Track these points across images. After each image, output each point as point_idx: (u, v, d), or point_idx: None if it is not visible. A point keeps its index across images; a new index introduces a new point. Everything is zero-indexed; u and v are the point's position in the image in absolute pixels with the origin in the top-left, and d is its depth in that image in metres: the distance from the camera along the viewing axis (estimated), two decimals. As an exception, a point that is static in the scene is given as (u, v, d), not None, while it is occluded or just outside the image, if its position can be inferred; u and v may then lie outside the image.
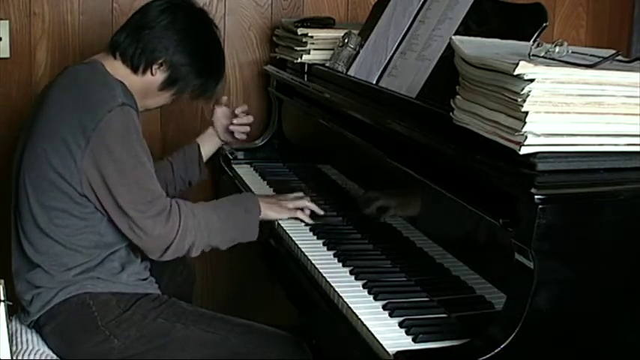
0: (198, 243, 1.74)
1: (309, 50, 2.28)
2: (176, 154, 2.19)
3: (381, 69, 1.90)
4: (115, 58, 1.82)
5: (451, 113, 1.38)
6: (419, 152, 1.50)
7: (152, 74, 1.83)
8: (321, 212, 1.91)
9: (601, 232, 1.21)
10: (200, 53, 1.87)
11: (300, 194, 1.95)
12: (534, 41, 1.34)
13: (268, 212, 1.87)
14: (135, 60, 1.81)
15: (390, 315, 1.38)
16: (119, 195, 1.66)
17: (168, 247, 1.70)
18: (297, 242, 1.75)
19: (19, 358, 1.65)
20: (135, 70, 1.82)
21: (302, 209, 1.90)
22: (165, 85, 1.86)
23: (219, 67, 1.96)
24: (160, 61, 1.82)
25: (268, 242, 1.91)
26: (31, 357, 1.67)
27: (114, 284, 1.75)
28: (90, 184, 1.67)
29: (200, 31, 1.89)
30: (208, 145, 2.24)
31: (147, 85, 1.84)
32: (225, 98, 2.26)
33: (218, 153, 2.49)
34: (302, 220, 1.88)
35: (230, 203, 1.88)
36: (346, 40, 2.06)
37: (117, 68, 1.80)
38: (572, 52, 1.29)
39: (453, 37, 1.47)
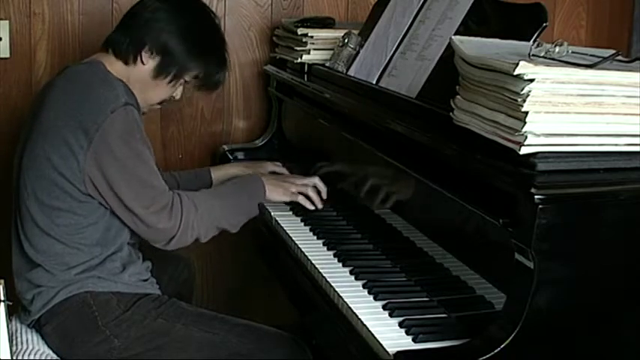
0: (203, 233, 1.76)
1: (309, 50, 2.28)
2: (186, 175, 2.16)
3: (381, 69, 1.90)
4: (109, 54, 1.81)
5: (451, 113, 1.38)
6: (419, 152, 1.50)
7: (143, 63, 1.80)
8: (325, 197, 1.91)
9: (601, 232, 1.21)
10: (190, 33, 1.81)
11: (309, 179, 1.94)
12: (534, 41, 1.34)
13: (271, 194, 1.87)
14: (124, 51, 1.79)
15: (390, 315, 1.38)
16: (123, 193, 1.67)
17: (171, 239, 1.72)
18: (297, 242, 1.75)
19: (19, 358, 1.65)
20: (126, 62, 1.80)
21: (306, 194, 1.90)
22: (159, 72, 1.80)
23: (216, 49, 1.89)
24: (147, 47, 1.78)
25: (268, 242, 1.91)
26: (31, 357, 1.67)
27: (115, 284, 1.75)
28: (93, 183, 1.68)
29: (190, 13, 1.85)
30: (222, 174, 2.18)
31: (142, 76, 1.80)
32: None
33: (218, 153, 2.50)
34: (302, 210, 1.89)
35: (234, 190, 1.88)
36: (346, 40, 2.06)
37: (114, 65, 1.80)
38: (572, 52, 1.29)
39: (452, 37, 1.47)
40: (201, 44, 1.84)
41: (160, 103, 1.90)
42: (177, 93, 1.90)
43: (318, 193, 1.93)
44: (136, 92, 1.79)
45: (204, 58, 1.84)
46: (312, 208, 1.90)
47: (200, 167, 2.26)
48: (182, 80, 1.85)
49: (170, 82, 1.83)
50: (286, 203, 2.00)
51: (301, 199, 1.89)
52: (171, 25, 1.79)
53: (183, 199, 1.72)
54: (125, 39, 1.79)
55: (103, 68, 1.77)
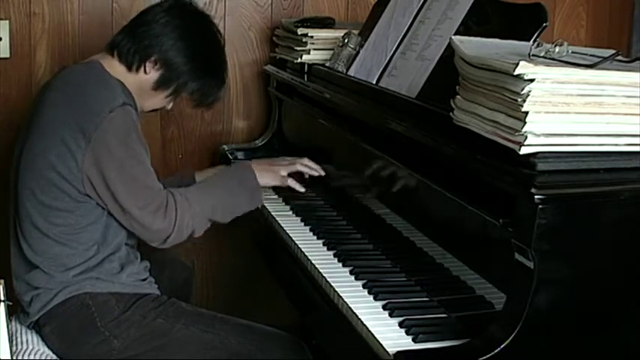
0: (197, 228, 1.76)
1: (309, 50, 2.28)
2: (171, 180, 2.11)
3: (381, 69, 1.90)
4: (113, 56, 1.81)
5: (451, 113, 1.37)
6: (419, 152, 1.50)
7: (145, 72, 1.80)
8: (315, 173, 1.92)
9: (601, 232, 1.21)
10: (197, 53, 1.83)
11: (298, 159, 1.94)
12: (534, 41, 1.34)
13: (261, 180, 1.87)
14: (129, 57, 1.80)
15: (390, 315, 1.38)
16: (119, 193, 1.67)
17: (167, 238, 1.72)
18: (297, 242, 1.75)
19: (19, 358, 1.65)
20: (129, 68, 1.80)
21: (295, 174, 1.91)
22: (160, 85, 1.82)
23: (218, 71, 1.91)
24: (153, 58, 1.79)
25: (268, 242, 1.91)
26: (31, 357, 1.67)
27: (113, 284, 1.75)
28: (91, 183, 1.68)
29: (199, 32, 1.86)
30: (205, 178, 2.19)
31: (141, 84, 1.81)
32: None
33: (218, 153, 2.49)
34: (293, 189, 1.89)
35: (224, 178, 1.88)
36: (346, 40, 2.06)
37: (114, 67, 1.79)
38: (572, 52, 1.29)
39: (452, 37, 1.47)
40: (205, 65, 1.86)
41: (150, 111, 1.92)
42: (170, 104, 1.92)
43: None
44: (131, 93, 1.79)
45: (205, 78, 1.86)
46: (302, 190, 1.89)
47: (200, 167, 2.25)
48: (179, 95, 1.87)
49: (168, 95, 1.86)
50: (286, 202, 2.00)
51: (291, 182, 1.88)
52: (179, 43, 1.80)
53: (177, 198, 1.72)
54: (132, 45, 1.80)
55: (100, 68, 1.77)
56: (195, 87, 1.86)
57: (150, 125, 2.44)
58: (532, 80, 1.16)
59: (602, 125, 1.22)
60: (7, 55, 2.32)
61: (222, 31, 1.97)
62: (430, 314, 1.39)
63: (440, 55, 1.71)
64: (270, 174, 1.89)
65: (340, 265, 1.62)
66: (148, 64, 1.80)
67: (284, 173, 1.89)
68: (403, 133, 1.56)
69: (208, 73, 1.87)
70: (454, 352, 1.21)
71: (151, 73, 1.81)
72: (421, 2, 1.90)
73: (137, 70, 1.80)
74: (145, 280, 1.82)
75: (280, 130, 2.50)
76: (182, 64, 1.81)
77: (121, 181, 1.67)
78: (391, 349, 1.24)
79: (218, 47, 1.91)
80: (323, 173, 1.92)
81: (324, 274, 1.56)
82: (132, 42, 1.80)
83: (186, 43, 1.81)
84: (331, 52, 2.16)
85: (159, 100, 1.87)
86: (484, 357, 1.16)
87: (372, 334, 1.31)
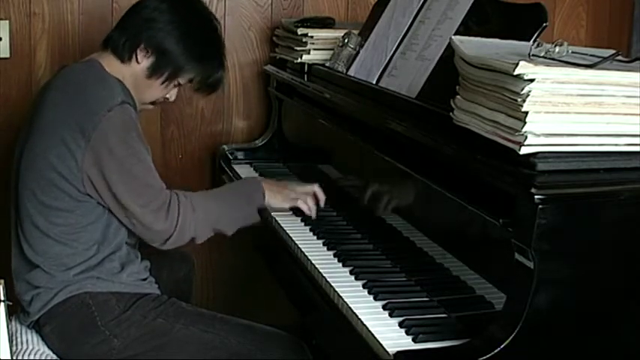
0: (199, 234, 1.76)
1: (309, 50, 2.28)
2: None
3: (381, 69, 1.90)
4: (108, 52, 1.81)
5: (451, 113, 1.38)
6: (419, 152, 1.50)
7: (138, 62, 1.78)
8: (322, 205, 1.89)
9: (601, 232, 1.21)
10: (189, 35, 1.79)
11: (310, 187, 1.90)
12: (534, 41, 1.34)
13: (270, 200, 1.85)
14: (121, 48, 1.78)
15: (390, 315, 1.38)
16: (120, 192, 1.67)
17: (168, 239, 1.72)
18: (297, 242, 1.75)
19: (19, 358, 1.65)
20: (122, 60, 1.79)
21: (304, 200, 1.87)
22: (153, 71, 1.79)
23: (215, 53, 1.87)
24: (143, 45, 1.77)
25: (268, 242, 1.91)
26: (31, 357, 1.67)
27: (113, 284, 1.74)
28: (92, 182, 1.68)
29: (190, 15, 1.83)
30: None
31: (136, 75, 1.79)
32: None
33: (218, 153, 2.50)
34: (301, 212, 1.87)
35: (233, 192, 1.87)
36: (346, 40, 2.06)
37: (111, 63, 1.79)
38: (572, 52, 1.29)
39: (452, 37, 1.47)
40: (198, 48, 1.82)
41: (152, 103, 1.89)
42: (172, 95, 1.89)
43: (317, 201, 1.90)
44: (130, 90, 1.78)
45: (199, 61, 1.83)
46: (309, 214, 1.87)
47: (200, 168, 2.25)
48: (176, 82, 1.84)
49: (163, 82, 1.82)
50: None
51: (300, 204, 1.87)
52: (168, 26, 1.78)
53: (181, 199, 1.72)
54: (123, 37, 1.79)
55: (99, 67, 1.77)
56: (189, 71, 1.82)
57: (150, 125, 2.44)
58: (532, 80, 1.16)
59: (602, 125, 1.22)
60: (7, 55, 2.32)
61: (222, 31, 1.96)
62: (430, 314, 1.39)
63: (440, 55, 1.71)
64: (279, 196, 1.86)
65: (340, 265, 1.62)
66: (139, 52, 1.78)
67: (294, 197, 1.86)
68: (403, 133, 1.56)
69: (201, 56, 1.83)
70: (454, 352, 1.21)
71: (143, 62, 1.79)
72: (421, 2, 1.90)
73: (129, 60, 1.79)
74: (145, 279, 1.82)
75: (280, 130, 2.50)
76: (172, 46, 1.78)
77: (122, 179, 1.67)
78: (391, 349, 1.24)
79: (212, 29, 1.87)
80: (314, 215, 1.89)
81: (324, 274, 1.56)
82: (123, 33, 1.79)
83: (174, 25, 1.78)
84: (331, 52, 2.16)
85: (156, 90, 1.84)
86: (484, 357, 1.16)
87: (372, 334, 1.31)
